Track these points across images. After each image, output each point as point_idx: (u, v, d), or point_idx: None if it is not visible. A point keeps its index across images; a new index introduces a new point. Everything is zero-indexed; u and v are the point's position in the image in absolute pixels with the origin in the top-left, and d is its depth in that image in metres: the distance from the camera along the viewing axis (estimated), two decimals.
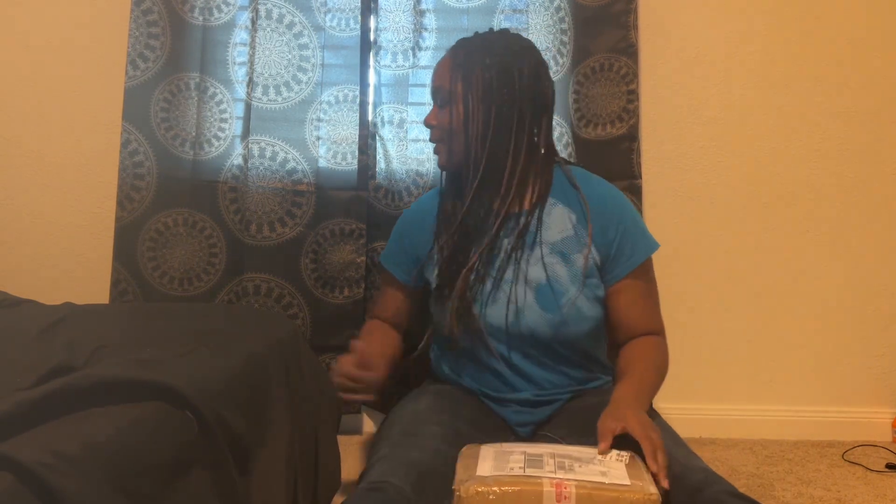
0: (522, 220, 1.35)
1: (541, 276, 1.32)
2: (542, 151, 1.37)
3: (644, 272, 1.38)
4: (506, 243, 1.35)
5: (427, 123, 1.40)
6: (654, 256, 1.41)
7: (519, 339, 1.34)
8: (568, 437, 1.25)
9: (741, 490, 1.65)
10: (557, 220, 1.35)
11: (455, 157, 1.36)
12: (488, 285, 1.33)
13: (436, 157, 1.41)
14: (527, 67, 1.33)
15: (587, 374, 1.38)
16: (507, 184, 1.33)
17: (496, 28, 1.97)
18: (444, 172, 1.43)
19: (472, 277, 1.33)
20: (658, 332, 1.39)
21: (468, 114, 1.32)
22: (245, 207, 1.93)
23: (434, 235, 1.42)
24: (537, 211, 1.34)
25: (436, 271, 1.39)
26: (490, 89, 1.31)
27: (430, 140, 1.41)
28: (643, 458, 1.08)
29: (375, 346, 1.39)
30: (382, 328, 1.52)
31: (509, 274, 1.34)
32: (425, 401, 1.32)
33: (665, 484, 1.02)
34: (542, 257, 1.33)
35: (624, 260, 1.35)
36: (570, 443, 1.19)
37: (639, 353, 1.34)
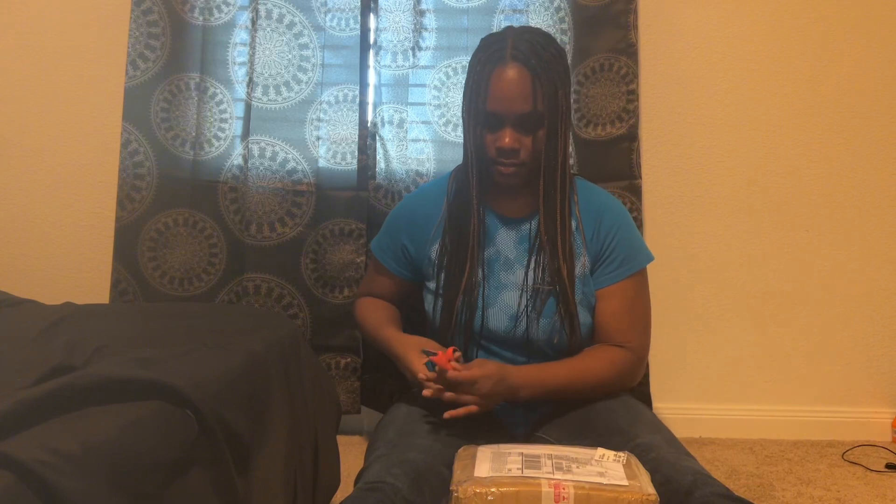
0: (527, 226, 1.36)
1: (541, 283, 1.33)
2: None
3: (633, 286, 1.37)
4: (509, 249, 1.37)
5: (510, 148, 1.27)
6: (654, 256, 1.41)
7: (515, 344, 1.35)
8: (563, 440, 1.25)
9: (740, 490, 1.66)
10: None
11: (528, 178, 1.33)
12: (489, 290, 1.34)
13: (503, 176, 1.32)
14: (570, 77, 1.34)
15: None
16: (551, 193, 1.32)
17: (497, 29, 1.98)
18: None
19: (474, 282, 1.34)
20: (628, 346, 1.35)
21: (557, 136, 1.29)
22: (245, 207, 1.93)
23: (436, 235, 1.41)
24: (545, 218, 1.33)
25: (435, 272, 1.40)
26: (567, 106, 1.30)
27: (508, 164, 1.29)
28: (640, 460, 1.09)
29: (391, 321, 1.46)
30: (386, 306, 1.52)
31: (510, 279, 1.35)
32: (421, 401, 1.32)
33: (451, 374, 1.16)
34: (543, 264, 1.33)
35: (613, 268, 1.36)
36: (565, 444, 1.19)
37: (584, 355, 1.34)
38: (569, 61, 1.94)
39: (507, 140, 1.26)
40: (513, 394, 1.25)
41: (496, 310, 1.35)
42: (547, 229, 1.32)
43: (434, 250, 1.41)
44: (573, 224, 1.36)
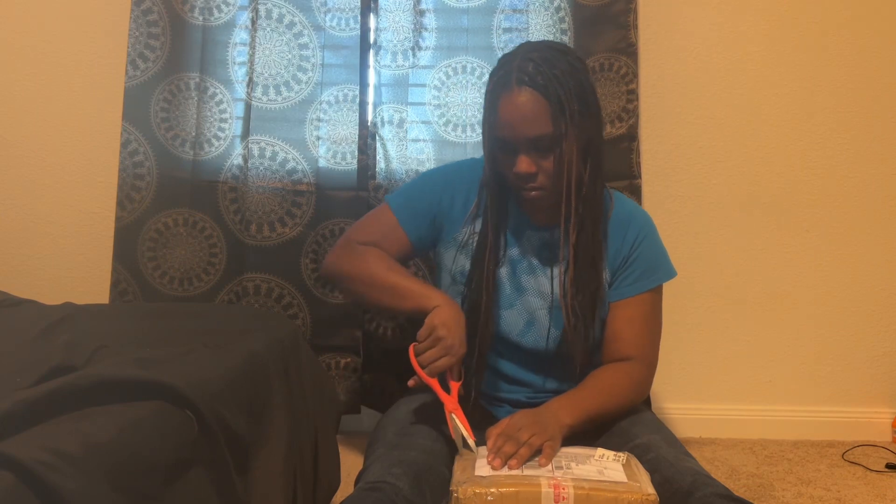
0: (549, 235, 1.34)
1: (559, 293, 1.31)
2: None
3: (650, 300, 1.35)
4: (533, 253, 1.34)
5: (526, 173, 1.23)
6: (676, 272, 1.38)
7: (523, 348, 1.34)
8: (563, 440, 1.25)
9: (740, 490, 1.66)
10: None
11: (553, 197, 1.28)
12: (510, 291, 1.33)
13: (529, 201, 1.28)
14: (592, 88, 1.27)
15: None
16: (568, 208, 1.26)
17: (497, 29, 1.97)
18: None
19: (498, 281, 1.32)
20: (640, 359, 1.32)
21: (571, 154, 1.22)
22: (245, 207, 1.93)
23: (468, 220, 1.36)
24: (568, 228, 1.29)
25: (455, 254, 1.35)
26: (585, 124, 1.24)
27: (530, 188, 1.25)
28: (640, 460, 1.09)
29: (402, 270, 1.33)
30: (388, 256, 1.38)
31: (531, 284, 1.33)
32: (419, 401, 1.32)
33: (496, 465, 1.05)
34: (564, 275, 1.30)
35: (631, 280, 1.33)
36: (564, 444, 1.19)
37: (599, 374, 1.30)
38: None
39: (521, 166, 1.22)
40: (553, 417, 1.18)
41: (512, 312, 1.33)
42: (567, 244, 1.29)
43: (462, 233, 1.36)
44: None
